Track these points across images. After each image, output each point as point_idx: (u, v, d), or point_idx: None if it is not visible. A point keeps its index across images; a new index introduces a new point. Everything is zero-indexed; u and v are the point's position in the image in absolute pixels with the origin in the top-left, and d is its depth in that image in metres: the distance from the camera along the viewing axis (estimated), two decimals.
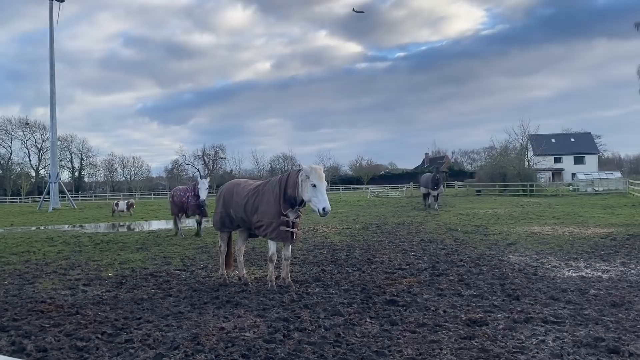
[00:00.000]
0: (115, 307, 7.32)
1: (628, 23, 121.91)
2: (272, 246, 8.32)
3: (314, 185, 7.76)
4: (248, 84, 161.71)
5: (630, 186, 45.95)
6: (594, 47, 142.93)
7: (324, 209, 7.59)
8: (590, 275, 8.94)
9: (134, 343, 5.56)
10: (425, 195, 29.99)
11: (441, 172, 27.77)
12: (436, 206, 27.77)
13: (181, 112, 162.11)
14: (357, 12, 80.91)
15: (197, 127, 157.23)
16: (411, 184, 70.73)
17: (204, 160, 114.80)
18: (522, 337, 5.48)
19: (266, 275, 8.72)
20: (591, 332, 5.58)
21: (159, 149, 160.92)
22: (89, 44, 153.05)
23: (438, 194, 27.80)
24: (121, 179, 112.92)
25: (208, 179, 16.82)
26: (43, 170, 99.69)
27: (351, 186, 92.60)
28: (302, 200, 8.05)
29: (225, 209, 8.95)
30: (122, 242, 15.90)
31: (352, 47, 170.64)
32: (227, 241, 9.36)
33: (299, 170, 8.11)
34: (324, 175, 7.95)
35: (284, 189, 8.13)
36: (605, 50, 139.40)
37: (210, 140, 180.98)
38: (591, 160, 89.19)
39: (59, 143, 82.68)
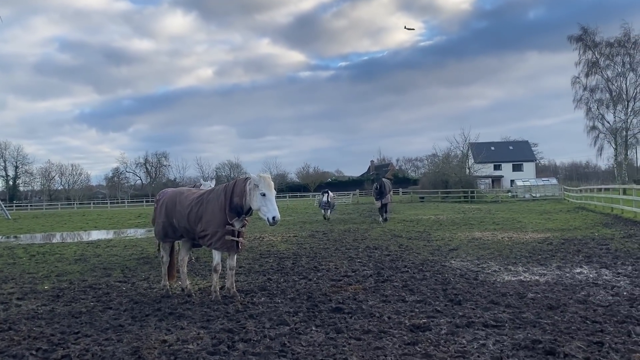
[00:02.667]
0: (51, 322, 7.04)
1: (557, 36, 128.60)
2: (216, 256, 8.20)
3: (264, 194, 7.69)
4: (190, 90, 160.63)
5: (565, 192, 47.97)
6: (526, 59, 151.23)
7: (273, 218, 7.53)
8: (528, 279, 9.20)
9: (71, 359, 5.36)
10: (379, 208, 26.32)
11: (380, 179, 25.95)
12: (382, 218, 24.74)
13: (121, 119, 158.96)
14: (408, 29, 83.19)
15: (138, 134, 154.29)
16: (357, 191, 71.35)
17: (147, 168, 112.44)
18: (464, 341, 5.59)
19: (210, 286, 8.59)
20: (529, 334, 5.74)
21: (99, 156, 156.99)
22: (23, 48, 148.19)
23: (385, 204, 24.80)
24: (59, 188, 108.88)
25: (213, 182, 14.18)
26: None
27: (298, 194, 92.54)
28: (249, 209, 7.98)
29: (167, 218, 8.75)
30: (59, 253, 15.35)
31: (295, 56, 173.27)
32: (170, 251, 9.18)
33: (247, 179, 8.02)
34: (272, 184, 7.90)
35: (229, 197, 8.01)
36: (537, 63, 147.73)
37: (152, 148, 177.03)
38: (529, 168, 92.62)
39: None
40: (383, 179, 26.09)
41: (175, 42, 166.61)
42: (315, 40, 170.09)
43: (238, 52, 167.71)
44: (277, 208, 7.69)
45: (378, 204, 25.17)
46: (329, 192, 28.44)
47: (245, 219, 8.27)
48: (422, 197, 57.41)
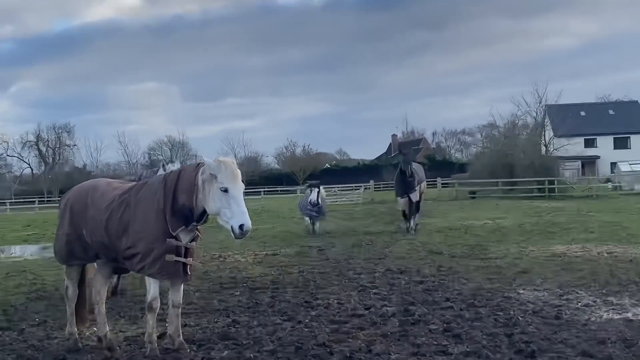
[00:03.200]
0: None
1: None
2: (152, 287, 8.15)
3: (225, 190, 7.58)
4: (105, 26, 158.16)
5: None
6: None
7: (241, 227, 7.46)
8: (639, 318, 9.17)
9: None
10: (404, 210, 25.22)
11: (408, 163, 24.03)
12: (409, 225, 24.10)
13: None
14: None
15: (23, 97, 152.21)
16: (371, 183, 68.83)
17: (40, 150, 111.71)
18: None
19: (143, 334, 8.53)
20: None
21: None
22: None
23: (415, 203, 23.76)
24: None
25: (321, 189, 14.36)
26: None
27: (279, 187, 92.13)
28: (203, 213, 7.98)
29: (74, 229, 8.65)
30: None
31: None
32: (79, 281, 9.14)
33: (198, 165, 8.04)
34: (239, 173, 7.84)
35: (172, 194, 8.00)
36: None
37: (46, 117, 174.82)
38: (639, 143, 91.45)
39: None
40: (412, 164, 24.68)
41: None
42: None
43: None
44: (246, 211, 7.59)
45: (403, 202, 24.31)
46: (320, 188, 26.16)
47: (197, 229, 8.27)
48: (474, 192, 56.89)
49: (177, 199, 7.93)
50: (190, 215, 7.91)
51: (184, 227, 7.96)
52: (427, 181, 29.69)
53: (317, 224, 25.76)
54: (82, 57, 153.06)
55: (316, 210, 25.23)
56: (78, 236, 8.64)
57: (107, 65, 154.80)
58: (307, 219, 25.99)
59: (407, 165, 24.13)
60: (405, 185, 24.02)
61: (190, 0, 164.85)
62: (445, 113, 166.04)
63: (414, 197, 23.85)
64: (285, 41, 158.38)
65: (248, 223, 7.48)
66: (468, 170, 71.08)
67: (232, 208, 7.53)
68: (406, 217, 24.54)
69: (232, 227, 7.49)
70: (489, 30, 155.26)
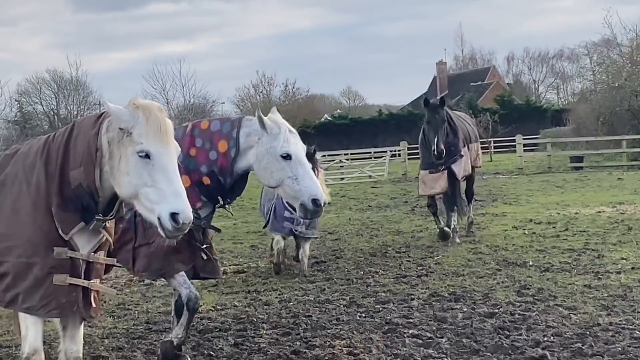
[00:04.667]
0: None
1: None
2: (31, 331, 6.52)
3: (147, 155, 5.86)
4: None
5: None
6: None
7: (173, 216, 5.72)
8: None
9: None
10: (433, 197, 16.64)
11: (439, 114, 14.88)
12: (453, 220, 15.59)
13: None
14: None
15: None
16: (403, 146, 44.70)
17: None
18: None
19: None
20: None
21: None
22: None
23: (457, 181, 15.56)
24: None
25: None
26: None
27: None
28: (116, 198, 6.37)
29: None
30: None
31: None
32: None
33: (100, 118, 6.31)
34: (170, 125, 6.11)
35: (59, 170, 6.35)
36: None
37: None
38: None
39: None
40: (454, 114, 16.57)
41: None
42: None
43: None
44: (180, 190, 5.86)
45: (432, 181, 15.71)
46: (316, 160, 13.53)
47: (106, 228, 6.61)
48: (579, 158, 45.74)
49: (66, 177, 6.35)
50: (92, 203, 6.34)
51: (82, 224, 6.31)
52: (498, 140, 22.77)
53: (306, 246, 13.44)
54: None
55: (304, 219, 11.57)
56: None
57: None
58: (276, 236, 12.83)
59: (440, 115, 14.98)
60: (436, 153, 15.06)
61: None
62: (527, 23, 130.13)
63: (458, 170, 15.46)
64: None
65: (185, 210, 5.73)
66: (569, 121, 53.83)
67: (159, 185, 5.91)
68: (448, 204, 15.91)
69: (159, 217, 5.76)
70: None
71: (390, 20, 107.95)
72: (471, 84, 75.75)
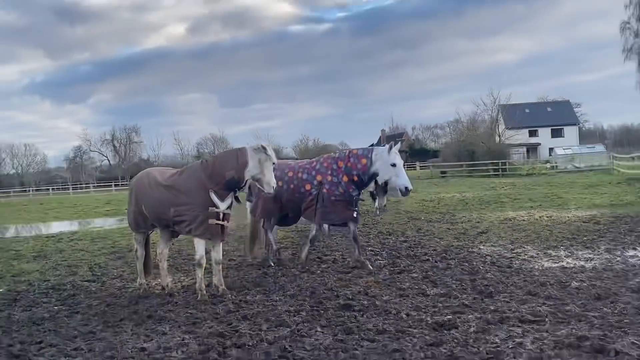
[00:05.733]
0: (8, 330, 7.10)
1: None
2: (199, 248, 8.26)
3: (274, 164, 8.20)
4: (159, 52, 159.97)
5: (614, 161, 47.82)
6: (559, 3, 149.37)
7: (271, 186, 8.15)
8: (571, 266, 9.23)
9: None
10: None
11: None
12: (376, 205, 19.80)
13: (79, 88, 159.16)
14: None
15: (101, 106, 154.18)
16: None
17: (114, 146, 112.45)
18: (497, 340, 5.63)
19: (195, 284, 8.62)
20: (574, 330, 5.77)
21: (56, 133, 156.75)
22: None
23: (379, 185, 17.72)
24: (10, 172, 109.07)
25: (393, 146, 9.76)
26: None
27: None
28: (245, 183, 8.27)
29: (137, 205, 8.80)
30: (14, 250, 15.37)
31: (283, 7, 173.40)
32: (145, 243, 9.25)
33: (240, 149, 8.22)
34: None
35: (217, 173, 8.09)
36: (572, 7, 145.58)
37: (120, 121, 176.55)
38: (570, 133, 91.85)
39: None
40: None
41: None
42: None
43: (214, 4, 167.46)
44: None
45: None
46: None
47: (236, 197, 8.39)
48: (444, 172, 57.33)
49: (223, 175, 8.04)
50: (235, 185, 8.15)
51: (230, 194, 8.18)
52: (408, 164, 29.39)
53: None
54: (143, 75, 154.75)
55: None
56: (140, 211, 8.78)
57: (161, 80, 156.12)
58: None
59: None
60: None
61: (222, 30, 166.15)
62: (421, 112, 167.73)
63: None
64: (295, 60, 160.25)
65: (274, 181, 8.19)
66: (440, 155, 72.00)
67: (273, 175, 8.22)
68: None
69: (272, 187, 8.17)
70: (452, 49, 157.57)
71: (361, 111, 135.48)
72: (396, 139, 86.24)
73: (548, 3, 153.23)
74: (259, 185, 8.35)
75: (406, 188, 9.38)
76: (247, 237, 10.59)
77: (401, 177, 9.45)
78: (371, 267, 9.59)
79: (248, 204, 10.82)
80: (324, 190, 9.69)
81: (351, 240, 10.03)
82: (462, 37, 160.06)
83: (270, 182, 8.11)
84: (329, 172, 9.83)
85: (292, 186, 10.06)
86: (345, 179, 9.71)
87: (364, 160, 9.63)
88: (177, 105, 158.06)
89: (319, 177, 9.87)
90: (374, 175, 9.70)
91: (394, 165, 9.45)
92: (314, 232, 10.10)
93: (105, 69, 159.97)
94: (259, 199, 10.31)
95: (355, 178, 9.68)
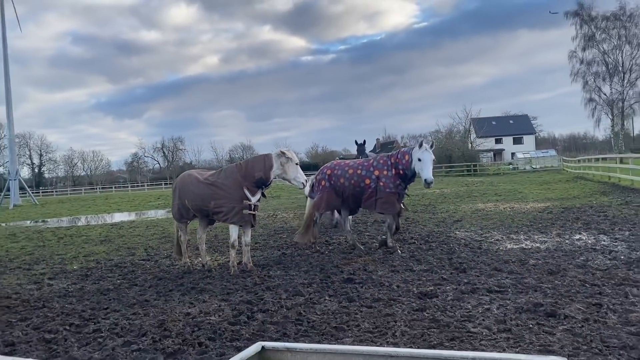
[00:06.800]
0: (81, 299, 7.17)
1: (545, 14, 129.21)
2: (233, 232, 8.31)
3: (297, 164, 8.17)
4: (198, 77, 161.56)
5: (564, 163, 47.62)
6: (518, 37, 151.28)
7: (306, 180, 8.25)
8: (529, 247, 9.21)
9: (102, 332, 5.47)
10: None
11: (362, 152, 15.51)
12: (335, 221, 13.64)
13: (135, 107, 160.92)
14: (552, 13, 79.17)
15: (152, 121, 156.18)
16: None
17: (164, 152, 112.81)
18: (469, 306, 5.64)
19: (229, 262, 8.66)
20: (531, 298, 5.77)
21: (117, 142, 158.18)
22: (38, 43, 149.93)
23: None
24: (82, 174, 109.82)
25: (429, 145, 9.20)
26: (1, 167, 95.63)
27: (308, 172, 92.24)
28: (271, 181, 8.26)
29: (181, 200, 8.81)
30: (85, 235, 15.51)
31: (296, 41, 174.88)
32: (185, 229, 9.29)
33: (267, 155, 8.25)
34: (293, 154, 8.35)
35: (249, 173, 8.12)
36: (528, 40, 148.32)
37: (166, 133, 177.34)
38: (529, 140, 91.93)
39: (17, 140, 79.01)
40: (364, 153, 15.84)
41: (181, 32, 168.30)
42: (314, 26, 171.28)
43: (241, 40, 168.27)
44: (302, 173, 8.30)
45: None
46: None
47: (264, 194, 8.43)
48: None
49: (254, 176, 8.09)
50: (265, 183, 8.19)
51: (259, 189, 8.22)
52: None
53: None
54: (185, 96, 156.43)
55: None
56: (183, 204, 8.79)
57: (199, 100, 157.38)
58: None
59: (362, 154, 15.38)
60: None
61: (248, 60, 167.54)
62: (408, 124, 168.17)
63: None
64: (306, 83, 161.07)
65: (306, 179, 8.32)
66: None
67: (301, 173, 8.21)
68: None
69: (302, 182, 8.19)
70: (431, 74, 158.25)
71: (360, 124, 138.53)
72: (388, 146, 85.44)
73: (509, 37, 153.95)
74: (288, 182, 8.33)
75: (425, 180, 8.89)
76: (302, 226, 10.08)
77: (424, 171, 8.89)
78: (400, 252, 9.13)
79: (309, 200, 10.65)
80: (381, 184, 9.16)
81: (386, 228, 9.52)
82: (439, 64, 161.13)
83: (296, 178, 8.13)
84: (385, 167, 9.29)
85: (352, 182, 9.48)
86: (394, 172, 9.22)
87: (406, 157, 9.14)
88: (212, 119, 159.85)
89: (376, 172, 9.30)
90: (415, 172, 9.16)
91: (419, 160, 8.95)
92: (388, 220, 9.42)
93: (156, 92, 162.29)
94: (322, 195, 9.72)
95: (401, 172, 9.15)
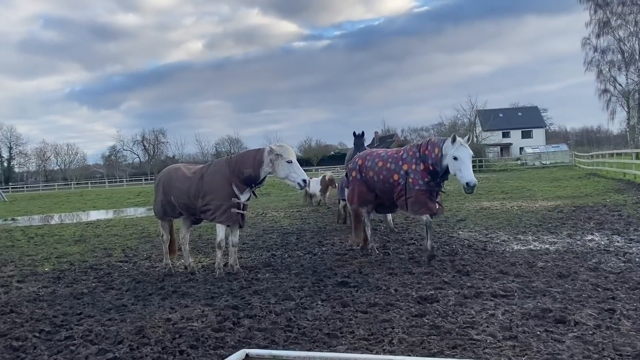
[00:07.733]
0: (53, 304, 7.15)
1: None
2: (220, 232, 8.30)
3: (290, 162, 7.89)
4: (181, 64, 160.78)
5: (576, 159, 47.87)
6: (525, 23, 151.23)
7: (304, 180, 7.86)
8: (538, 248, 9.24)
9: (75, 339, 5.45)
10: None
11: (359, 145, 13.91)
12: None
13: (112, 96, 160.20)
14: None
15: (131, 111, 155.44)
16: None
17: (144, 146, 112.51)
18: (473, 312, 5.64)
19: (214, 263, 8.64)
20: (539, 303, 5.79)
21: (93, 135, 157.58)
22: (5, 26, 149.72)
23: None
24: (55, 168, 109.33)
25: (465, 139, 8.46)
26: None
27: (302, 167, 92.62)
28: (263, 179, 8.15)
29: (165, 196, 8.78)
30: (58, 234, 15.50)
31: (287, 26, 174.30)
32: (170, 229, 9.26)
33: (259, 150, 8.14)
34: (293, 151, 8.17)
35: (237, 169, 8.07)
36: (536, 26, 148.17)
37: (148, 125, 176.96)
38: (538, 134, 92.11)
39: None
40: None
41: (162, 15, 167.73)
42: (307, 9, 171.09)
43: (227, 24, 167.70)
44: (304, 173, 8.00)
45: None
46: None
47: (254, 192, 8.38)
48: None
49: (243, 172, 8.02)
50: (256, 180, 8.10)
51: (248, 187, 8.11)
52: None
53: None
54: (167, 84, 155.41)
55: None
56: (168, 201, 8.76)
57: (183, 89, 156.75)
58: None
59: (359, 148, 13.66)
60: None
61: (234, 46, 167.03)
62: (408, 116, 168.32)
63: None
64: (298, 71, 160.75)
65: (307, 178, 8.08)
66: None
67: (297, 172, 7.92)
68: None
69: (297, 182, 7.92)
70: (432, 62, 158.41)
71: (357, 116, 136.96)
72: (387, 140, 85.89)
73: (516, 23, 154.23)
74: (287, 183, 8.15)
75: (467, 184, 7.77)
76: (352, 224, 9.54)
77: (464, 172, 7.84)
78: (436, 255, 8.53)
79: (344, 191, 10.44)
80: (410, 180, 8.36)
81: (425, 230, 8.56)
82: (440, 52, 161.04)
83: (289, 177, 7.94)
84: (413, 160, 8.46)
85: (381, 176, 8.76)
86: (422, 167, 8.34)
87: (437, 150, 8.17)
88: (197, 110, 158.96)
89: (405, 167, 8.50)
90: (448, 169, 8.19)
91: (455, 158, 7.93)
92: (424, 219, 8.52)
93: (135, 80, 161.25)
94: (354, 187, 9.20)
95: (431, 167, 8.25)
